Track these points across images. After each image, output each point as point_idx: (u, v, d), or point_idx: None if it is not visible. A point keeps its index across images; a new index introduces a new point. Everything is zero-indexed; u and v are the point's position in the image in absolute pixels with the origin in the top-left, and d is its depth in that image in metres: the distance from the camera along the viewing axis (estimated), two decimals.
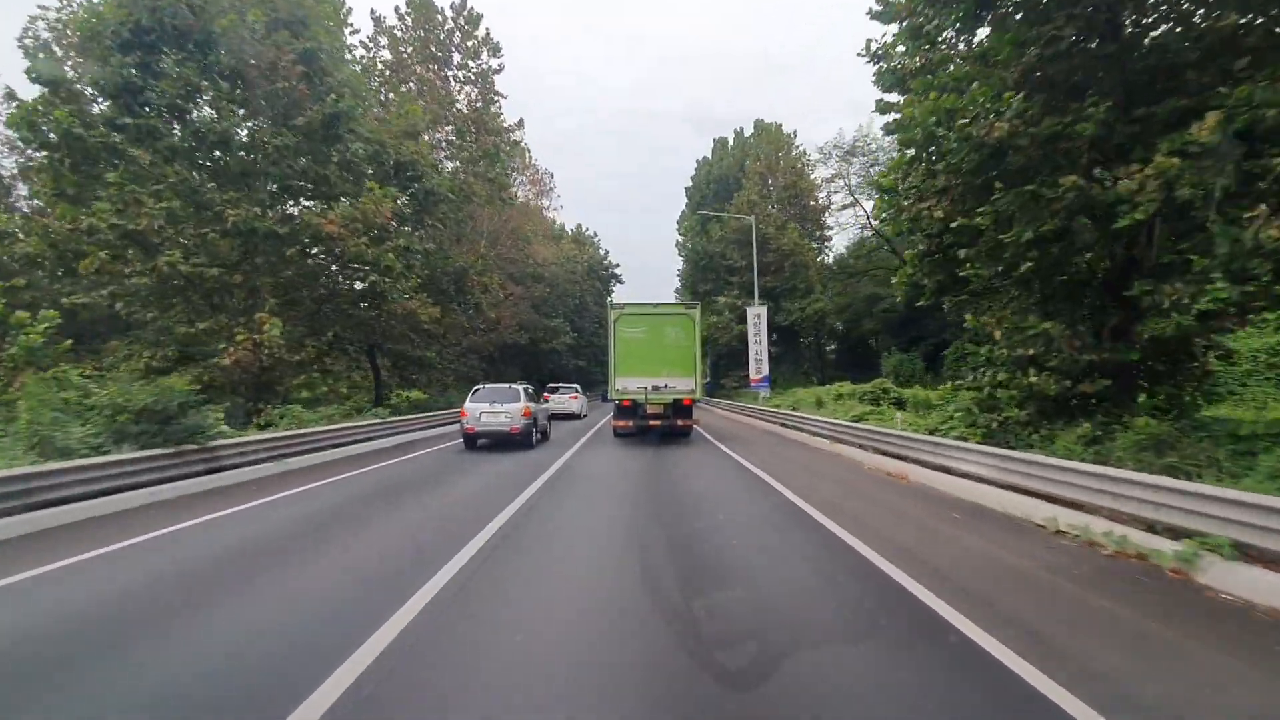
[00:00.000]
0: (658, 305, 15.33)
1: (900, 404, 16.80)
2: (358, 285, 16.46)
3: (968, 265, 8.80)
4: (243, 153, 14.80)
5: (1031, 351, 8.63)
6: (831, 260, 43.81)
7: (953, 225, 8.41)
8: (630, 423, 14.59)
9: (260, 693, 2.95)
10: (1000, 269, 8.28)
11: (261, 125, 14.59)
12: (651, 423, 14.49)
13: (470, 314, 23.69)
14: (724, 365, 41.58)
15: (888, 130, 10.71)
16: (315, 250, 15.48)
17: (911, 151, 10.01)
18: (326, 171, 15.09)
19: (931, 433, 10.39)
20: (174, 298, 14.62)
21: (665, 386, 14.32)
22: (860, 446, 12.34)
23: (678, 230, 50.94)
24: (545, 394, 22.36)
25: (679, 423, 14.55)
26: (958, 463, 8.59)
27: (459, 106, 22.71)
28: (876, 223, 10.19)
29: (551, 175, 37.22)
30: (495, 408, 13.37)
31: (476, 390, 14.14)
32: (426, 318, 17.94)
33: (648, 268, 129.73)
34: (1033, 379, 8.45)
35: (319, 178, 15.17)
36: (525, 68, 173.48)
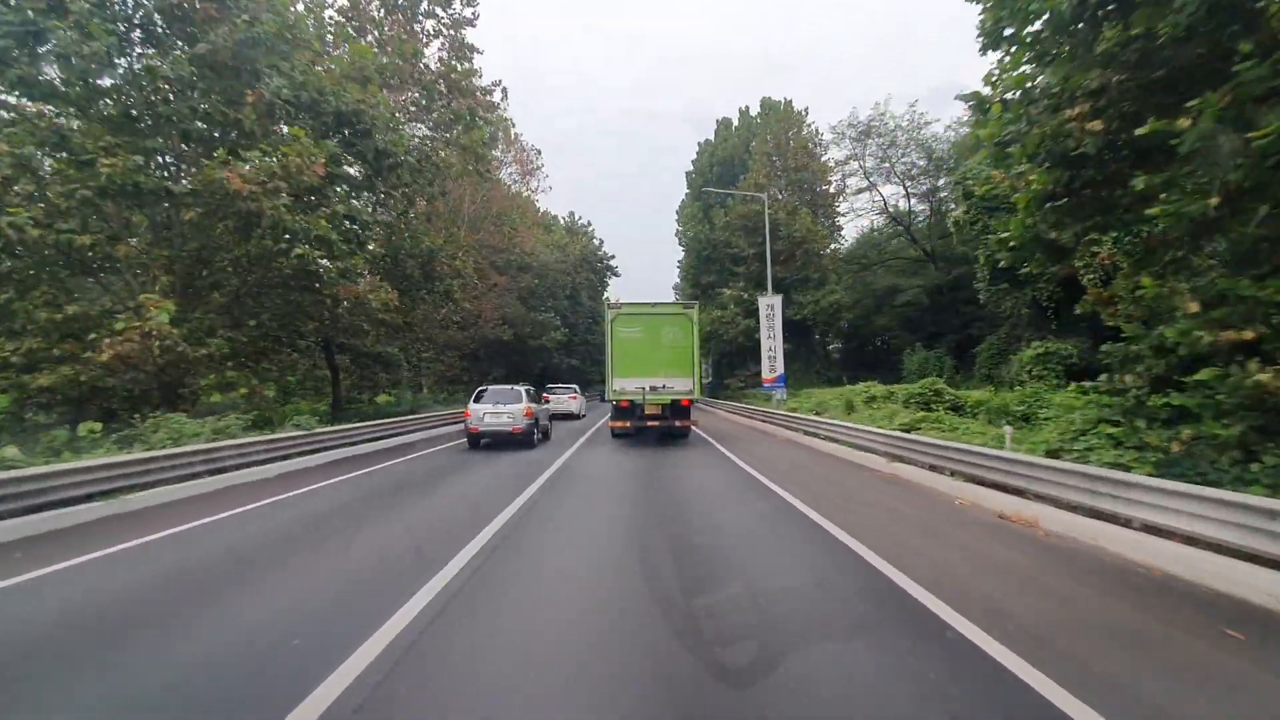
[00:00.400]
0: (655, 305, 15.17)
1: (957, 408, 13.71)
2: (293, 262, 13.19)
3: (1159, 200, 5.66)
4: (135, 87, 11.58)
5: (1250, 334, 5.53)
6: (843, 252, 40.73)
7: (1138, 132, 5.27)
8: (628, 423, 14.44)
9: None
10: (1216, 202, 5.15)
11: (151, 52, 11.39)
12: (649, 423, 14.26)
13: (443, 303, 20.45)
14: (727, 363, 38.42)
15: (984, 33, 7.54)
16: (230, 217, 12.24)
17: (1025, 65, 6.89)
18: (240, 115, 11.87)
19: (1053, 454, 7.28)
20: (37, 273, 11.41)
21: (663, 387, 14.10)
22: (932, 468, 9.22)
23: (677, 220, 47.74)
24: (545, 395, 21.86)
25: (677, 423, 14.47)
26: (1138, 509, 5.46)
27: (426, 63, 19.49)
28: (982, 148, 6.81)
29: (539, 152, 33.77)
30: (498, 408, 13.80)
31: (480, 392, 14.52)
32: (378, 304, 14.73)
33: (647, 266, 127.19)
34: (1260, 376, 5.34)
35: (231, 123, 11.96)
36: (525, 68, 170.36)
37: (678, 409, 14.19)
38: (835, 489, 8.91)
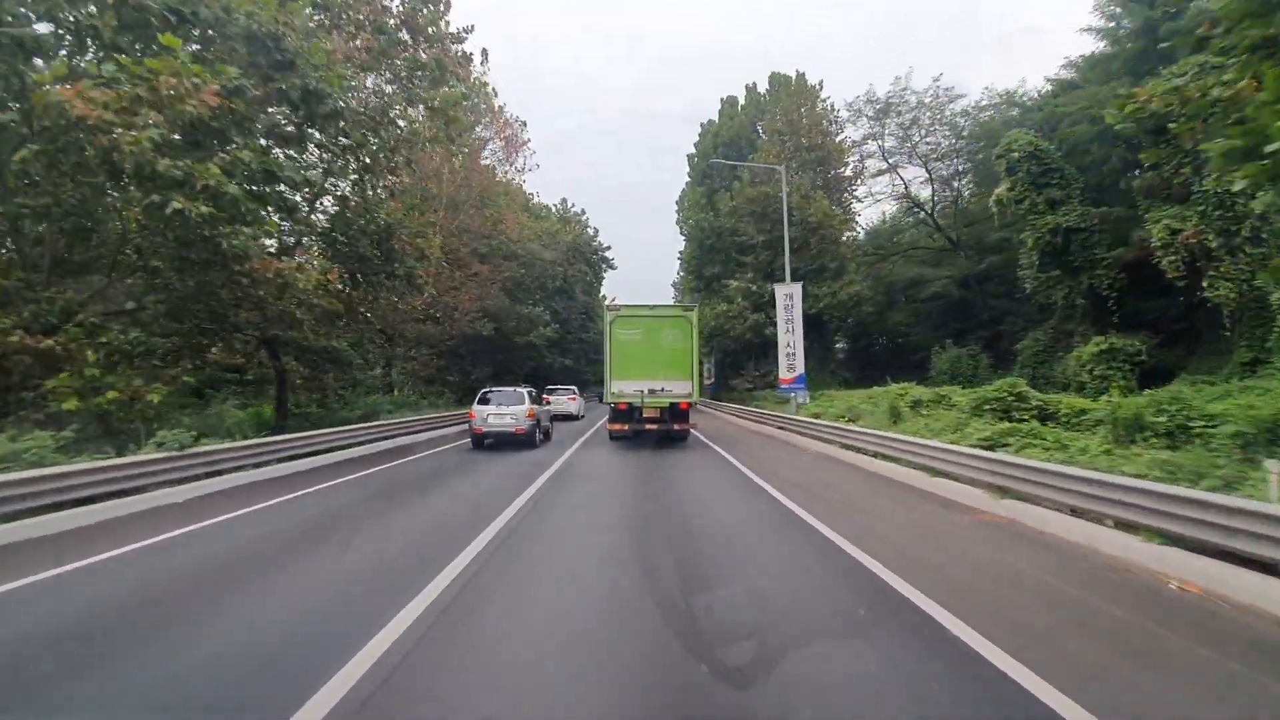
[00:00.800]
0: (655, 307, 15.30)
1: (1048, 418, 10.66)
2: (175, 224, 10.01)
3: None
4: None
5: None
6: (857, 245, 37.60)
7: None
8: (626, 426, 14.43)
9: None
10: None
11: None
12: (648, 426, 14.19)
13: (404, 288, 17.35)
14: (731, 363, 35.35)
15: None
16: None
17: None
18: (98, 23, 8.75)
19: None
20: None
21: (662, 390, 14.00)
22: (1075, 511, 6.16)
23: (677, 209, 44.56)
24: (545, 396, 21.67)
25: (675, 427, 14.46)
26: None
27: (385, 3, 16.36)
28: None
29: (524, 125, 30.35)
30: (501, 410, 14.30)
31: (485, 394, 15.00)
32: (309, 285, 11.63)
33: (646, 267, 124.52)
34: None
35: (86, 32, 8.86)
36: (525, 68, 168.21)
37: (676, 412, 14.23)
38: (931, 545, 5.87)
